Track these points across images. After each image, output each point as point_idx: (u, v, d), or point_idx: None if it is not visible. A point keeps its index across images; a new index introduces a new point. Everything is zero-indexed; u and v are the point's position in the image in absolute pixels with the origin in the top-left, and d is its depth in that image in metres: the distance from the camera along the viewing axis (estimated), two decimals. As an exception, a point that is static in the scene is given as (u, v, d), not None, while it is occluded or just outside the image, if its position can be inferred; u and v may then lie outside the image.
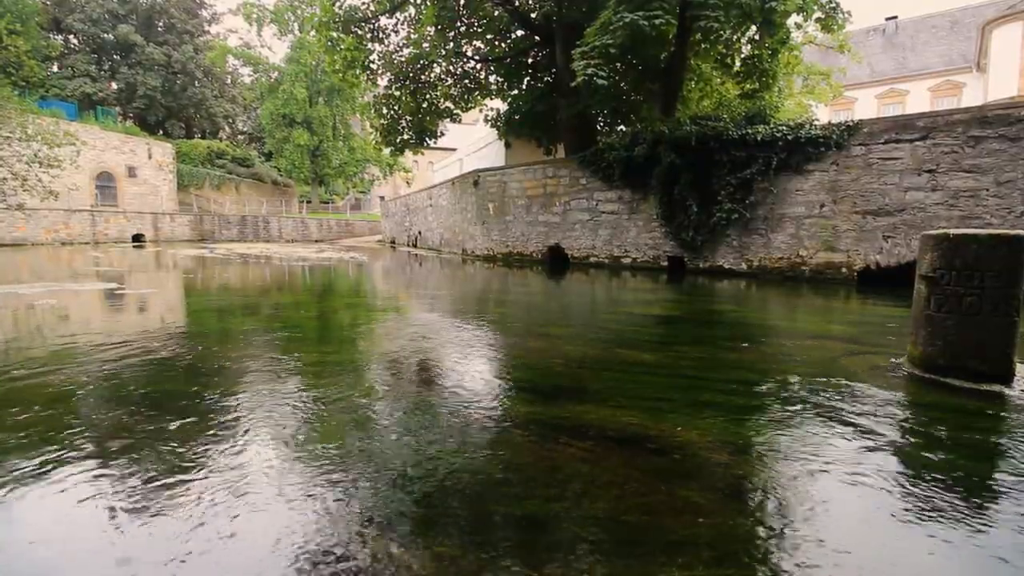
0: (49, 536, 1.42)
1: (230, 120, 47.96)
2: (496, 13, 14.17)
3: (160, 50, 37.95)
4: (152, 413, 2.33)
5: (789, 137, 8.54)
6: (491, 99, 16.62)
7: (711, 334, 4.59)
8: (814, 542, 1.40)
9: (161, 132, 39.61)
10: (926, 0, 37.93)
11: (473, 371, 3.14)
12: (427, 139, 16.66)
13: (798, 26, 13.26)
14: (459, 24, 14.27)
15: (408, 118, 15.93)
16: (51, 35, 33.40)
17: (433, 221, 19.67)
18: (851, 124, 8.20)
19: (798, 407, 2.45)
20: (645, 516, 1.52)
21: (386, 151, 18.51)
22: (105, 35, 37.11)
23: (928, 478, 1.77)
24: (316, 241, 32.71)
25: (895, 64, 32.11)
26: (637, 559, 1.33)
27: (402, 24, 15.13)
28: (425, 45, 14.61)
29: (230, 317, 5.39)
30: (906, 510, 1.56)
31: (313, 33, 20.08)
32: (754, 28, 11.33)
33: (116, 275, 9.66)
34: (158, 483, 1.68)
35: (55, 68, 35.40)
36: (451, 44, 14.51)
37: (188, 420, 2.24)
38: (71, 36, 37.38)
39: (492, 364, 3.41)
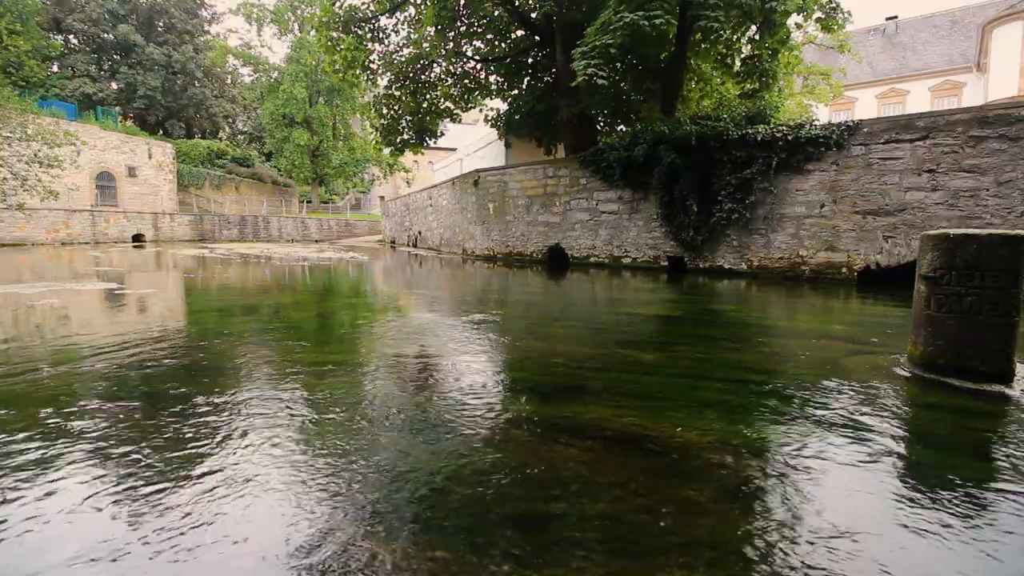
0: (50, 535, 1.42)
1: (230, 120, 47.97)
2: (496, 13, 14.17)
3: (160, 50, 37.94)
4: (150, 412, 2.33)
5: (789, 137, 8.53)
6: (491, 99, 16.62)
7: (711, 334, 4.58)
8: (814, 542, 1.40)
9: (161, 132, 39.61)
10: (926, 0, 37.96)
11: (473, 371, 3.14)
12: (427, 139, 16.66)
13: (798, 26, 13.28)
14: (459, 24, 14.27)
15: (408, 118, 15.93)
16: (51, 35, 33.37)
17: (433, 221, 19.67)
18: (851, 124, 8.20)
19: (798, 407, 2.45)
20: (645, 516, 1.52)
21: (386, 151, 18.51)
22: (105, 35, 37.12)
23: (929, 478, 1.77)
24: (316, 241, 32.72)
25: (895, 64, 32.09)
26: (637, 559, 1.33)
27: (402, 24, 15.13)
28: (425, 45, 14.61)
29: (230, 317, 5.39)
30: (907, 510, 1.56)
31: (313, 33, 20.13)
32: (754, 28, 11.34)
33: (116, 275, 9.66)
34: (156, 484, 1.69)
35: (55, 68, 35.39)
36: (451, 44, 14.52)
37: (186, 420, 2.24)
38: (71, 36, 37.37)
39: (492, 364, 3.41)
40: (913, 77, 30.87)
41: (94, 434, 2.09)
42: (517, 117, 15.63)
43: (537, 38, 13.99)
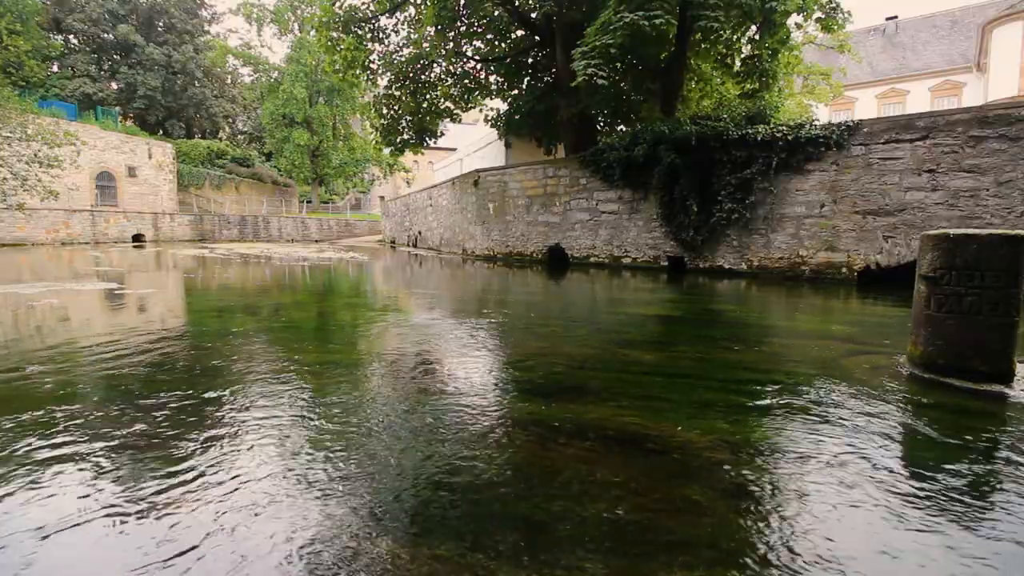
0: (55, 532, 1.42)
1: (230, 120, 47.97)
2: (496, 13, 14.17)
3: (160, 50, 37.94)
4: (151, 412, 2.33)
5: (789, 137, 8.53)
6: (491, 99, 16.62)
7: (711, 334, 4.58)
8: (814, 542, 1.40)
9: (161, 132, 39.60)
10: (926, 0, 37.96)
11: (473, 371, 3.14)
12: (427, 139, 16.66)
13: (798, 26, 13.28)
14: (459, 24, 14.27)
15: (408, 118, 15.93)
16: (51, 35, 33.36)
17: (433, 221, 19.67)
18: (851, 124, 8.20)
19: (798, 407, 2.45)
20: (645, 516, 1.52)
21: (386, 151, 18.51)
22: (105, 35, 37.12)
23: (928, 478, 1.77)
24: (316, 241, 32.72)
25: (895, 64, 32.10)
26: (637, 559, 1.33)
27: (402, 24, 15.13)
28: (425, 45, 14.61)
29: (231, 317, 5.39)
30: (906, 510, 1.56)
31: (313, 33, 20.11)
32: (754, 28, 11.33)
33: (116, 275, 9.66)
34: (156, 483, 1.69)
35: (55, 68, 35.38)
36: (451, 44, 14.52)
37: (186, 420, 2.24)
38: (71, 36, 37.36)
39: (492, 364, 3.41)
40: (913, 77, 30.87)
41: (91, 435, 2.09)
42: (517, 117, 15.63)
43: (537, 38, 13.98)
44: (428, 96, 15.82)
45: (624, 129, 14.28)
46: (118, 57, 38.25)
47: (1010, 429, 2.22)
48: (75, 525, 1.46)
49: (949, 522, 1.50)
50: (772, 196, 8.92)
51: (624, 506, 1.57)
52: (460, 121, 18.74)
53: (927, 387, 2.75)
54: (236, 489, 1.65)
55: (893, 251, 7.78)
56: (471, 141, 27.08)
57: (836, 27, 11.83)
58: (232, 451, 1.94)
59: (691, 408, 2.45)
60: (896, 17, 34.39)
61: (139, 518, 1.49)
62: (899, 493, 1.67)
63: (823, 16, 11.63)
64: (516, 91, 15.75)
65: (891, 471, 1.82)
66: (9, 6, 23.82)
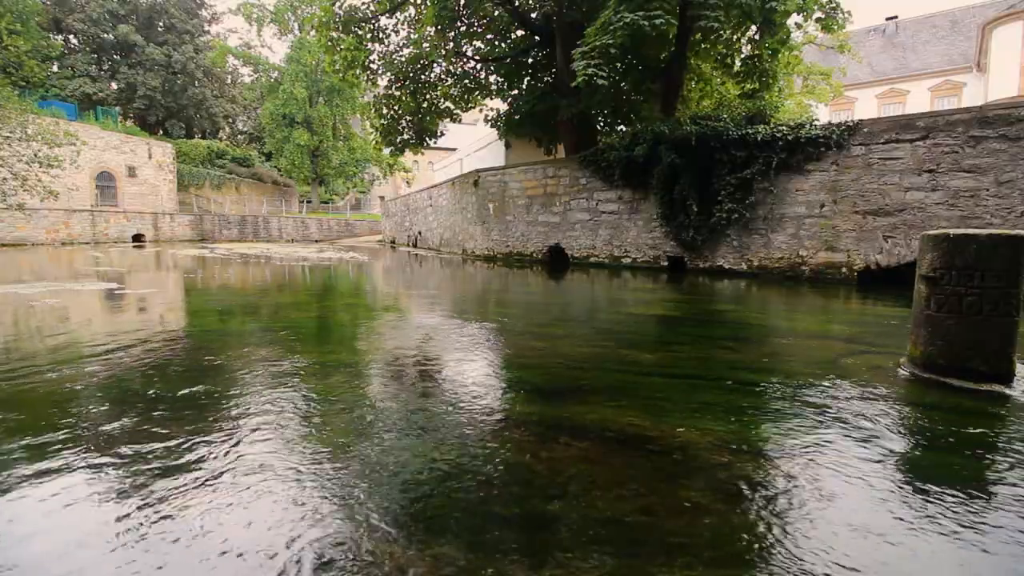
0: (48, 531, 1.42)
1: (230, 120, 47.97)
2: (496, 13, 14.16)
3: (160, 50, 37.95)
4: (151, 413, 2.33)
5: (789, 137, 8.53)
6: (491, 99, 16.61)
7: (711, 334, 4.58)
8: (813, 542, 1.40)
9: (161, 132, 39.61)
10: (926, 0, 37.97)
11: (473, 371, 3.14)
12: (427, 139, 16.65)
13: (798, 26, 13.27)
14: (459, 24, 14.26)
15: (408, 118, 15.92)
16: (51, 35, 33.34)
17: (433, 221, 19.67)
18: (851, 124, 8.19)
19: (798, 407, 2.45)
20: (645, 516, 1.53)
21: (386, 151, 18.49)
22: (105, 35, 37.12)
23: (928, 478, 1.77)
24: (316, 241, 32.72)
25: (895, 64, 32.10)
26: (637, 559, 1.33)
27: (402, 24, 15.13)
28: (425, 45, 14.60)
29: (231, 317, 5.39)
30: (906, 510, 1.56)
31: (313, 33, 20.11)
32: (754, 28, 11.33)
33: (116, 275, 9.66)
34: (155, 482, 1.69)
35: (55, 68, 35.38)
36: (451, 44, 14.51)
37: (187, 420, 2.24)
38: (71, 36, 37.38)
39: (492, 364, 3.41)
40: (913, 77, 30.87)
41: (92, 435, 2.09)
42: (517, 117, 15.61)
43: (537, 38, 13.98)
44: (428, 96, 15.81)
45: (624, 129, 14.26)
46: (118, 57, 38.26)
47: (1010, 429, 2.22)
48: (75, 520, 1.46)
49: (949, 522, 1.50)
50: (772, 196, 8.92)
51: (624, 506, 1.57)
52: (460, 121, 18.72)
53: (927, 387, 2.75)
54: (233, 484, 1.65)
55: (893, 251, 7.78)
56: (471, 141, 27.08)
57: (836, 27, 11.83)
58: (231, 450, 1.93)
59: (691, 408, 2.45)
60: (896, 17, 34.40)
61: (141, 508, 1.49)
62: (897, 493, 1.67)
63: (823, 16, 11.62)
64: (516, 91, 15.74)
65: (889, 471, 1.82)
66: (9, 6, 23.78)
